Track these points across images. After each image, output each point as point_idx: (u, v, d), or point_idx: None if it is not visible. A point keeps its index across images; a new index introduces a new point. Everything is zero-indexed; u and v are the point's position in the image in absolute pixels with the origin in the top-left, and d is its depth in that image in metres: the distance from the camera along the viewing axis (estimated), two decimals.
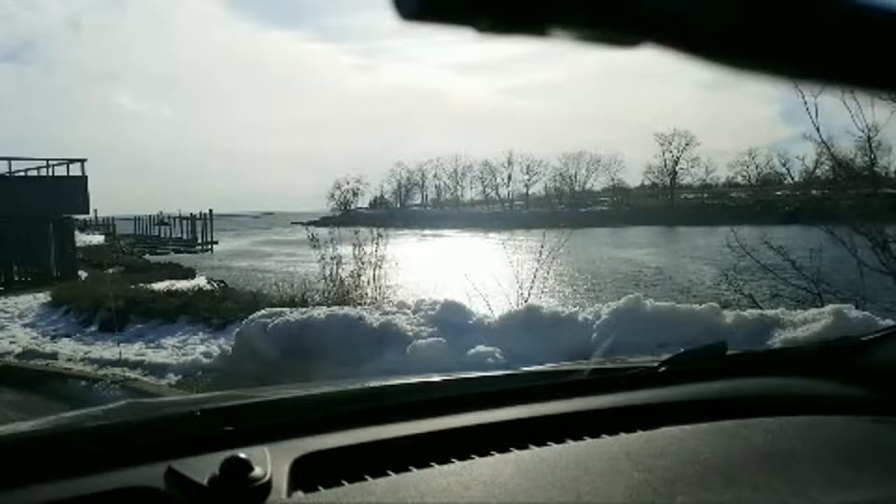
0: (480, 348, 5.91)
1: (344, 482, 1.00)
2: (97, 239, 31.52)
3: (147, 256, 25.90)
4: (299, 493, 0.98)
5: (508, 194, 77.98)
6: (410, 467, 1.05)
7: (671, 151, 69.68)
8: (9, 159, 18.44)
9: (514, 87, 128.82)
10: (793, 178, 62.01)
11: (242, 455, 0.97)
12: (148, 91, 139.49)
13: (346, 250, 9.98)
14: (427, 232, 42.99)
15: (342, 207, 75.31)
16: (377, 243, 9.77)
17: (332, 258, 9.77)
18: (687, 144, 69.42)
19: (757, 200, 53.49)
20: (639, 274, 19.37)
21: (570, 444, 1.15)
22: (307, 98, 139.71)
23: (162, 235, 40.97)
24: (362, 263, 9.63)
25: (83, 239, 26.55)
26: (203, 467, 0.97)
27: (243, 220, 79.34)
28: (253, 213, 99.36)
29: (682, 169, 70.40)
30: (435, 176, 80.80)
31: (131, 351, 8.17)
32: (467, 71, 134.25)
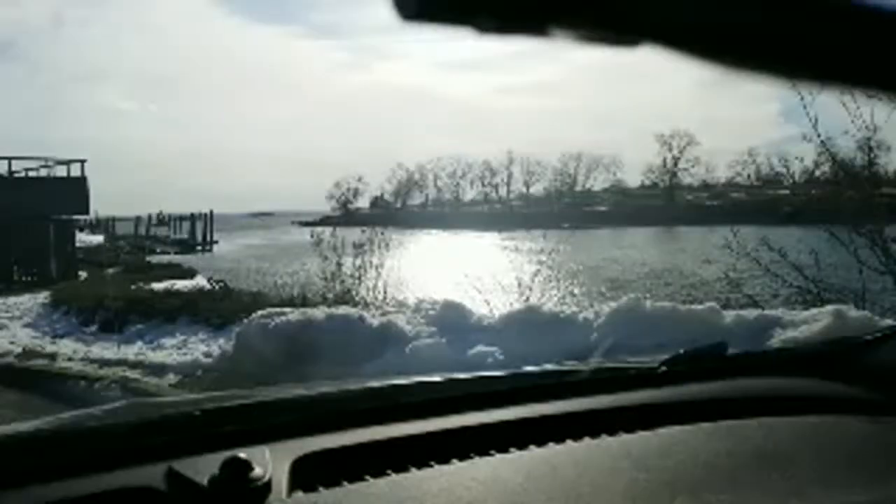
0: (480, 348, 5.92)
1: (344, 482, 1.00)
2: (97, 239, 31.50)
3: (147, 256, 25.88)
4: (299, 493, 0.98)
5: (508, 194, 78.00)
6: (410, 467, 1.05)
7: (671, 151, 69.70)
8: (9, 159, 18.48)
9: (512, 85, 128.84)
10: (793, 179, 62.00)
11: (242, 455, 0.97)
12: (145, 90, 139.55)
13: (347, 250, 9.98)
14: (426, 231, 43.03)
15: (342, 207, 75.29)
16: (379, 245, 9.78)
17: (332, 258, 9.78)
18: (687, 144, 69.40)
19: (757, 201, 53.45)
20: (641, 274, 19.41)
21: (571, 444, 1.15)
22: (306, 96, 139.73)
23: (162, 235, 40.96)
24: (367, 264, 9.64)
25: (83, 239, 26.55)
26: (203, 467, 0.97)
27: (244, 219, 79.35)
28: (253, 213, 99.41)
29: (682, 169, 70.41)
30: (435, 176, 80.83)
31: (131, 351, 8.18)
32: (464, 69, 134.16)
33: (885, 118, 6.41)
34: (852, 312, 5.36)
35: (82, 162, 19.12)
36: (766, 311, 5.80)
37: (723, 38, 0.36)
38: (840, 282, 7.06)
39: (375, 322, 6.59)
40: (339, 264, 9.75)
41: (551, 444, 1.14)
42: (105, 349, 8.43)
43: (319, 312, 6.85)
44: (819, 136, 6.91)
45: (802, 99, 6.17)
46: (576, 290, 13.49)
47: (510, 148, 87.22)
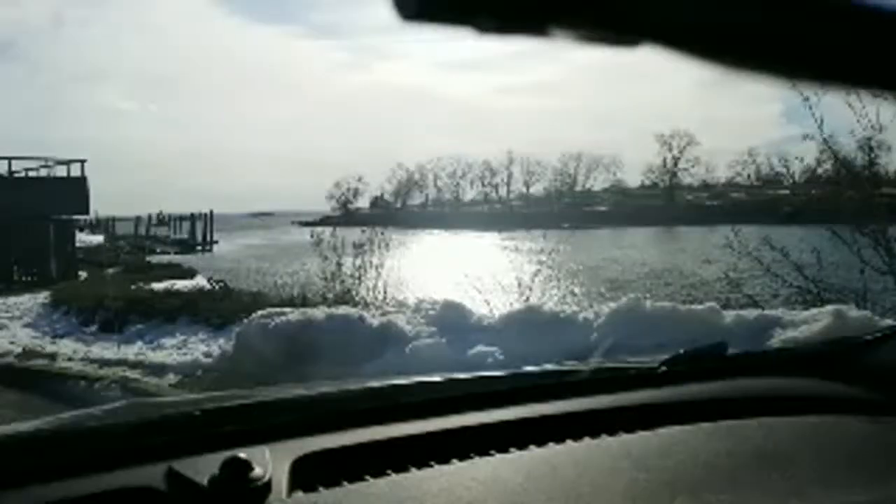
0: (480, 348, 5.92)
1: (344, 482, 1.00)
2: (97, 239, 31.50)
3: (147, 256, 25.86)
4: (299, 493, 0.98)
5: (508, 194, 78.01)
6: (410, 467, 1.05)
7: (671, 151, 69.69)
8: (9, 159, 18.48)
9: (512, 85, 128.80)
10: (793, 179, 62.10)
11: (242, 455, 0.97)
12: (145, 90, 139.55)
13: (347, 250, 9.99)
14: (426, 231, 43.06)
15: (342, 207, 75.32)
16: (379, 244, 9.77)
17: (332, 258, 9.78)
18: (687, 144, 69.39)
19: (757, 201, 53.44)
20: (641, 274, 19.43)
21: (571, 444, 1.15)
22: (306, 96, 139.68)
23: (162, 235, 40.98)
24: (367, 264, 9.63)
25: (83, 239, 26.56)
26: (203, 467, 0.97)
27: (244, 219, 79.40)
28: (253, 213, 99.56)
29: (682, 169, 70.40)
30: (435, 176, 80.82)
31: (131, 351, 8.18)
32: (464, 69, 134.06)
33: (891, 118, 6.42)
34: (852, 312, 5.36)
35: (82, 162, 19.14)
36: (766, 311, 5.80)
37: (723, 38, 0.36)
38: (840, 282, 7.07)
39: (375, 322, 6.59)
40: (339, 264, 9.74)
41: (551, 444, 1.14)
42: (105, 349, 8.43)
43: (319, 312, 6.85)
44: (822, 135, 6.92)
45: (807, 99, 6.17)
46: (576, 290, 13.51)
47: (510, 148, 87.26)
